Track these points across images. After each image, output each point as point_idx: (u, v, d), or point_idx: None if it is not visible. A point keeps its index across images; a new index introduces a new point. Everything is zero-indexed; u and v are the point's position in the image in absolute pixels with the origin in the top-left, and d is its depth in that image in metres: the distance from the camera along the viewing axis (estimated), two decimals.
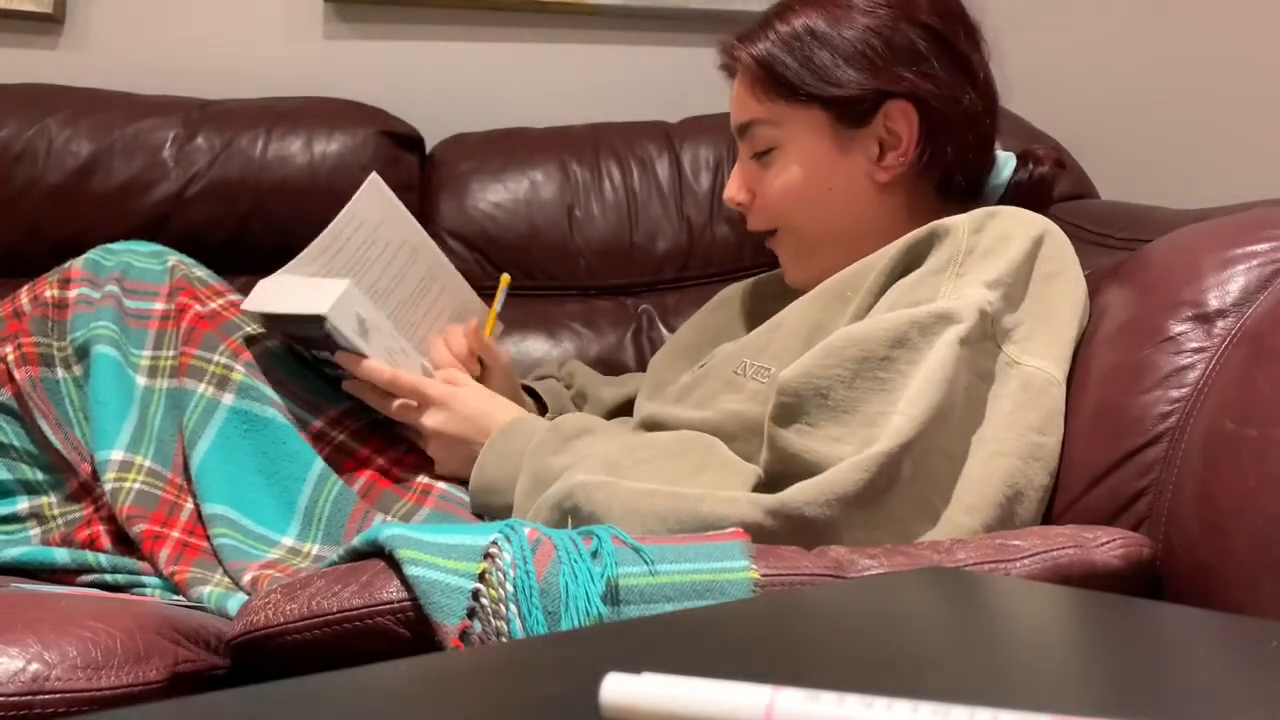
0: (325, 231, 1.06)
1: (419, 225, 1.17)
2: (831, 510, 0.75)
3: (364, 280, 1.09)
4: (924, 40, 0.99)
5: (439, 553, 0.67)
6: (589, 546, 0.68)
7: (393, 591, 0.67)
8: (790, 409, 0.82)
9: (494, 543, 0.67)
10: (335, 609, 0.66)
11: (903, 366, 0.80)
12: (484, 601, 0.65)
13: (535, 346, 1.50)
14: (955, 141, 1.00)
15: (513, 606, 0.65)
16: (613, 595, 0.66)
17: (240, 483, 0.95)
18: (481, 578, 0.66)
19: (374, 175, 1.12)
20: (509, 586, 0.65)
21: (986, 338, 0.84)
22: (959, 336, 0.81)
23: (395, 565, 0.68)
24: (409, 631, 0.66)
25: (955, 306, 0.82)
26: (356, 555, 0.73)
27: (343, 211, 1.07)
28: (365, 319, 1.00)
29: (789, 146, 1.03)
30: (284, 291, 1.01)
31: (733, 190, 1.09)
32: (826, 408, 0.81)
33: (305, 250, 1.05)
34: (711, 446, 0.88)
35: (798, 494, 0.76)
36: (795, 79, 1.00)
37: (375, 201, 1.11)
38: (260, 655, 0.68)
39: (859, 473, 0.76)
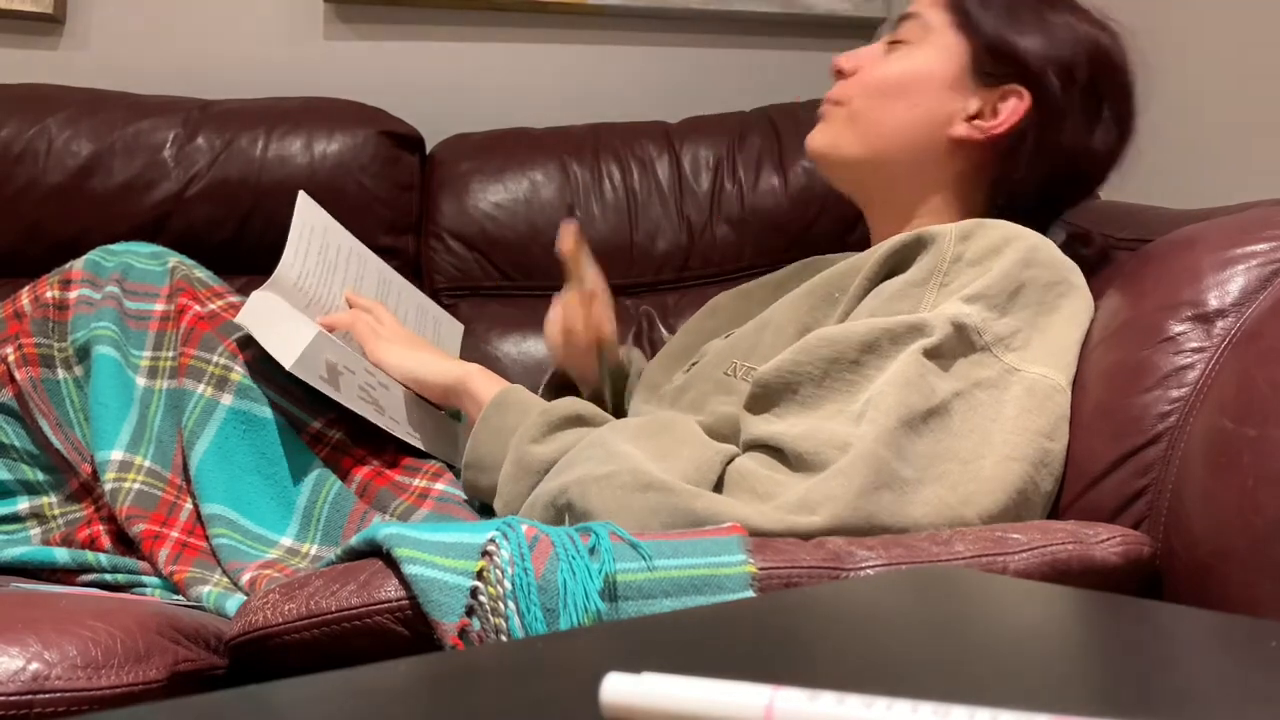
0: (289, 243, 1.11)
1: (352, 235, 1.23)
2: (827, 521, 0.75)
3: (336, 281, 1.14)
4: (1085, 77, 1.00)
5: (437, 551, 0.67)
6: (586, 543, 0.68)
7: (391, 590, 0.67)
8: (760, 399, 0.85)
9: (492, 540, 0.67)
10: (334, 608, 0.66)
11: (869, 372, 0.82)
12: (482, 599, 0.65)
13: (535, 346, 1.50)
14: (1036, 164, 1.00)
15: (511, 604, 0.65)
16: (611, 591, 0.66)
17: (239, 483, 0.95)
18: (480, 575, 0.66)
19: (301, 192, 1.17)
20: (507, 584, 0.65)
21: (974, 349, 0.84)
22: (924, 347, 0.82)
23: (393, 564, 0.68)
24: (408, 630, 0.66)
25: (927, 319, 0.84)
26: (354, 555, 0.73)
27: (293, 224, 1.12)
28: (336, 363, 0.99)
29: (920, 50, 1.04)
30: (268, 317, 1.02)
31: (843, 57, 1.09)
32: (795, 402, 0.83)
33: (281, 262, 1.09)
34: (690, 426, 0.89)
35: (785, 516, 0.76)
36: (974, 5, 1.02)
37: (314, 212, 1.17)
38: (259, 655, 0.68)
39: (840, 476, 0.76)
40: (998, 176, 1.01)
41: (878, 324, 0.84)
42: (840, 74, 1.08)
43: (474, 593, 0.65)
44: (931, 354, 0.82)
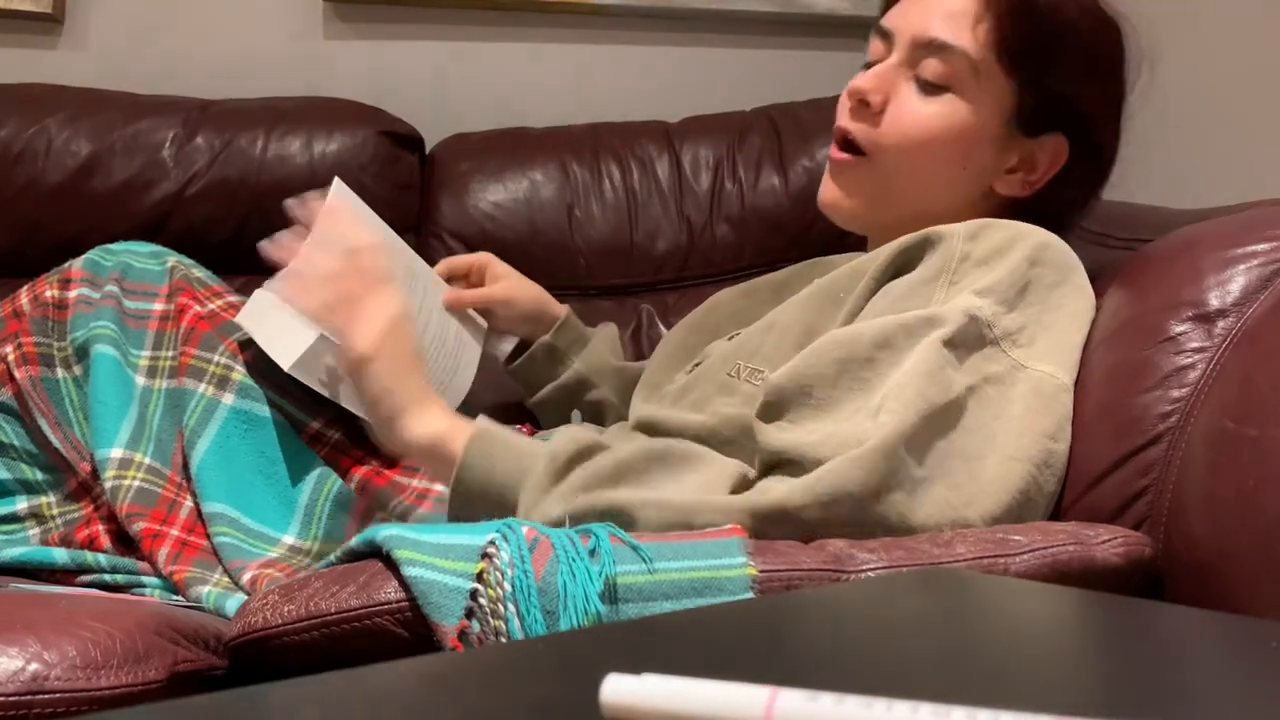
0: (309, 238, 1.06)
1: (386, 224, 1.17)
2: (827, 511, 0.75)
3: None
4: (1119, 104, 0.99)
5: (437, 553, 0.67)
6: (586, 545, 0.68)
7: (391, 592, 0.67)
8: (774, 406, 0.82)
9: (492, 542, 0.67)
10: (334, 610, 0.66)
11: (884, 368, 0.81)
12: (482, 601, 0.65)
13: None
14: (1069, 198, 1.00)
15: (511, 606, 0.65)
16: (611, 594, 0.66)
17: (240, 481, 0.96)
18: (479, 577, 0.66)
19: (336, 179, 1.12)
20: (507, 586, 0.65)
21: (985, 342, 0.83)
22: (942, 337, 0.81)
23: (393, 565, 0.67)
24: (407, 632, 0.66)
25: (941, 311, 0.83)
26: (354, 556, 0.73)
27: (319, 216, 1.07)
28: (335, 366, 0.98)
29: (965, 100, 0.95)
30: (268, 317, 1.00)
31: (870, 86, 0.97)
32: (809, 405, 0.81)
33: (295, 258, 1.04)
34: (689, 447, 0.86)
35: (792, 496, 0.75)
36: (1034, 50, 0.94)
37: (345, 201, 1.12)
38: (259, 656, 0.68)
39: (855, 469, 0.75)
40: (1028, 212, 0.98)
41: (891, 320, 0.83)
42: (865, 105, 0.97)
43: (474, 595, 0.65)
44: (949, 344, 0.81)
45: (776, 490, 0.76)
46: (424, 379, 0.94)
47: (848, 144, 0.99)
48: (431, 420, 0.88)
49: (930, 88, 0.96)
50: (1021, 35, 0.94)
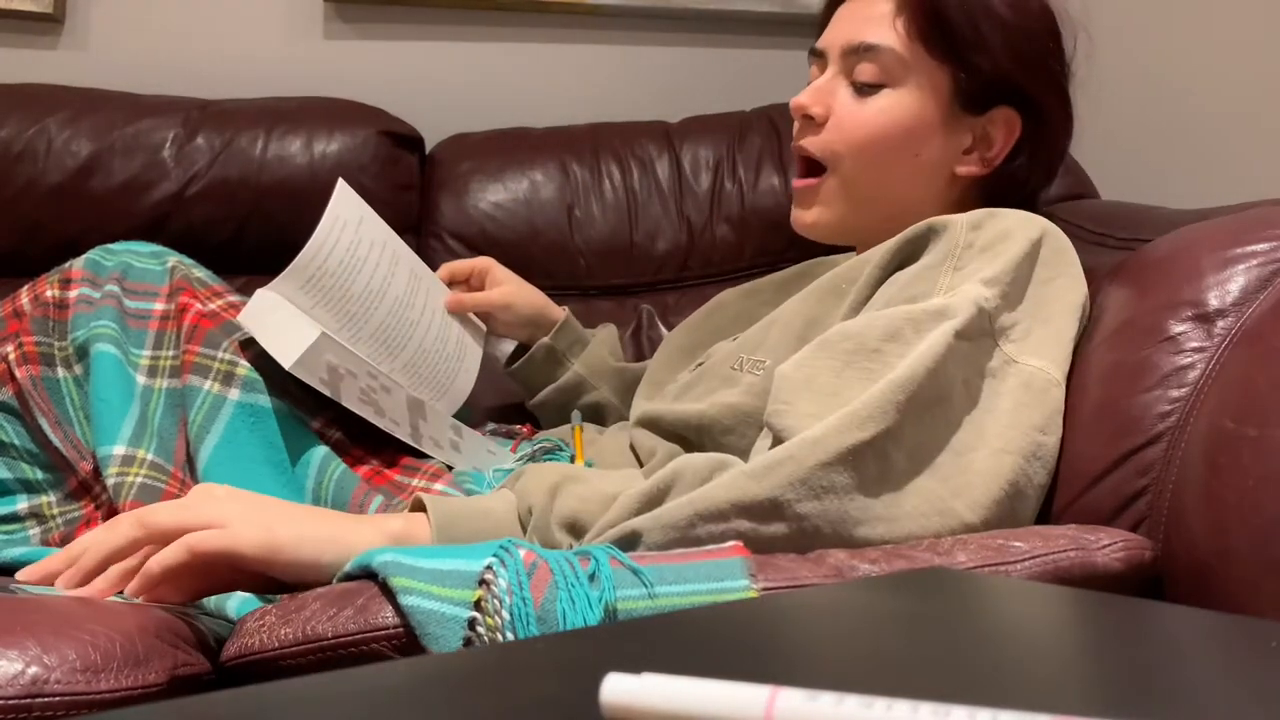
0: (313, 237, 1.06)
1: (389, 226, 1.17)
2: (819, 501, 0.74)
3: (358, 282, 1.09)
4: (1060, 68, 1.02)
5: (433, 580, 0.66)
6: (586, 568, 0.67)
7: (388, 616, 0.66)
8: (778, 392, 0.82)
9: (489, 568, 0.66)
10: (330, 634, 0.65)
11: (890, 359, 0.81)
12: (480, 630, 0.64)
13: None
14: (1032, 166, 1.02)
15: (510, 635, 0.64)
16: (611, 621, 0.65)
17: (247, 475, 0.95)
18: (477, 605, 0.65)
19: (340, 180, 1.13)
20: (505, 615, 0.64)
21: (985, 334, 0.84)
22: (954, 329, 0.80)
23: (389, 593, 0.66)
24: (404, 657, 0.65)
25: (951, 303, 0.83)
26: (350, 578, 0.72)
27: (325, 216, 1.08)
28: (337, 365, 0.98)
29: (904, 94, 0.99)
30: (270, 316, 1.00)
31: (809, 99, 1.02)
32: (807, 390, 0.81)
33: (298, 257, 1.05)
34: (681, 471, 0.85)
35: (772, 471, 0.74)
36: (954, 32, 0.98)
37: (350, 203, 1.12)
38: (254, 678, 0.68)
39: (829, 434, 0.75)
40: (996, 189, 1.02)
41: (899, 312, 0.83)
42: (809, 119, 1.02)
43: (471, 624, 0.64)
44: (960, 335, 0.81)
45: (769, 455, 0.75)
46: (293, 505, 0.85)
47: (807, 167, 1.04)
48: (369, 532, 0.80)
49: (866, 89, 1.00)
50: (937, 22, 0.98)
